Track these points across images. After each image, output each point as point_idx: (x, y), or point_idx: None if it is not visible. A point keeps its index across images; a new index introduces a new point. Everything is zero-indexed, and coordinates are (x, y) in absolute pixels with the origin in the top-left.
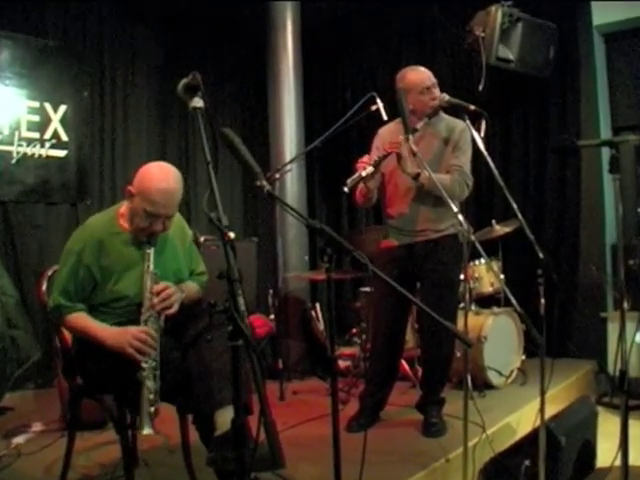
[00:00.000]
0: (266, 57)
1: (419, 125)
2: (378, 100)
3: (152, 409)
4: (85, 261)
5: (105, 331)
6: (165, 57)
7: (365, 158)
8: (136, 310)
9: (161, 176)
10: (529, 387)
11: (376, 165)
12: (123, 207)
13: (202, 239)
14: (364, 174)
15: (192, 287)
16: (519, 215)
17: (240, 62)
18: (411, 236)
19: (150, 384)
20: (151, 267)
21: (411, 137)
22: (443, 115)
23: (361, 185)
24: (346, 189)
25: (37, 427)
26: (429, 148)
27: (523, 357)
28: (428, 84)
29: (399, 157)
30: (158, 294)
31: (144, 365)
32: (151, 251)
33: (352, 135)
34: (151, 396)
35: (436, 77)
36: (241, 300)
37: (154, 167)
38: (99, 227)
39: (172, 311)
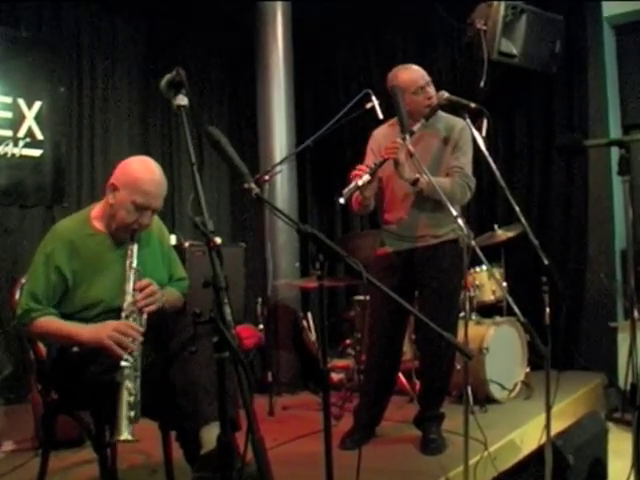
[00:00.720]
0: (255, 51)
1: (416, 127)
2: (373, 98)
3: (132, 413)
4: (56, 263)
5: (81, 328)
6: (148, 50)
7: (361, 166)
8: (114, 316)
9: (147, 167)
10: (534, 401)
11: (372, 173)
12: (96, 209)
13: (187, 245)
14: (360, 183)
15: (173, 293)
16: (522, 219)
17: (227, 56)
18: (409, 242)
19: (130, 385)
20: (134, 263)
21: (408, 137)
22: (441, 114)
23: (357, 193)
24: (342, 200)
25: (8, 446)
26: (428, 149)
27: (527, 370)
28: (422, 83)
29: (396, 163)
30: (141, 290)
31: (124, 363)
32: (134, 247)
33: (346, 134)
34: (131, 398)
35: (435, 73)
36: (228, 309)
37: (136, 160)
38: (70, 229)
39: (154, 308)
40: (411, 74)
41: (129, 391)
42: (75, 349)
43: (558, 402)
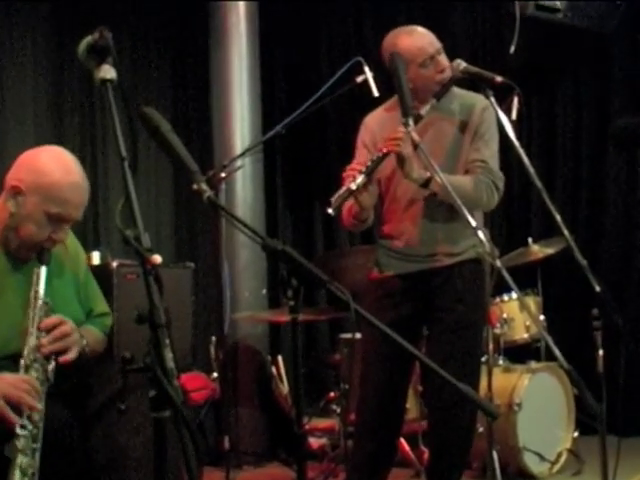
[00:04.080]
0: (207, 6)
1: (423, 110)
2: (366, 69)
3: None
4: None
5: None
6: (62, 4)
7: (353, 165)
8: (10, 366)
9: (64, 165)
10: (586, 478)
11: (370, 173)
12: None
13: (115, 265)
14: (354, 187)
15: (94, 333)
16: (565, 231)
17: (170, 14)
18: (416, 263)
19: (25, 461)
20: (41, 292)
21: (411, 122)
22: (457, 90)
23: (350, 201)
24: (331, 211)
25: None
26: (440, 139)
27: (575, 434)
28: (431, 52)
29: (400, 158)
30: (49, 331)
31: (19, 431)
32: (42, 271)
33: (330, 117)
34: None
35: (448, 36)
36: (169, 353)
37: (47, 154)
38: None
39: (69, 357)
40: (417, 40)
41: (23, 470)
42: None
43: (620, 478)
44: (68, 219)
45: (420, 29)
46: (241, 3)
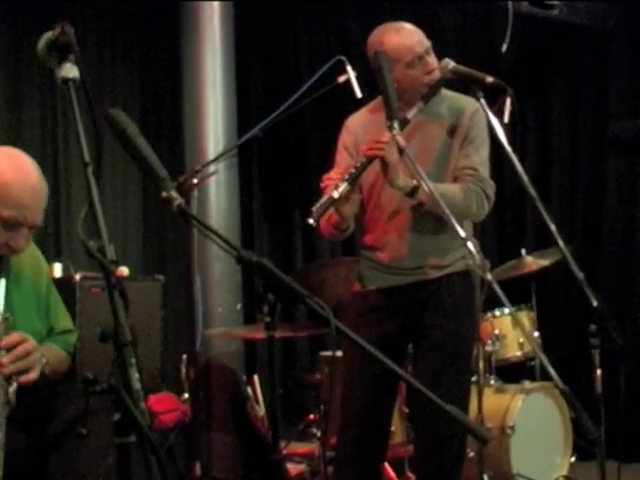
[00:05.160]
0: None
1: (410, 114)
2: (349, 68)
3: None
4: None
5: None
6: None
7: (335, 172)
8: None
9: (19, 166)
10: None
11: (353, 180)
12: None
13: (78, 277)
14: (337, 195)
15: (55, 352)
16: (561, 242)
17: (139, 9)
18: (401, 276)
19: None
20: (0, 307)
21: (396, 125)
22: (446, 92)
23: (331, 211)
24: (312, 221)
25: None
26: (427, 144)
27: (572, 460)
28: (419, 51)
29: (385, 164)
30: (9, 349)
31: None
32: (1, 283)
33: (310, 120)
34: None
35: (437, 34)
36: (135, 373)
37: (1, 155)
38: None
39: (31, 377)
40: (405, 38)
41: None
42: None
43: None
44: (24, 223)
45: (408, 26)
46: None
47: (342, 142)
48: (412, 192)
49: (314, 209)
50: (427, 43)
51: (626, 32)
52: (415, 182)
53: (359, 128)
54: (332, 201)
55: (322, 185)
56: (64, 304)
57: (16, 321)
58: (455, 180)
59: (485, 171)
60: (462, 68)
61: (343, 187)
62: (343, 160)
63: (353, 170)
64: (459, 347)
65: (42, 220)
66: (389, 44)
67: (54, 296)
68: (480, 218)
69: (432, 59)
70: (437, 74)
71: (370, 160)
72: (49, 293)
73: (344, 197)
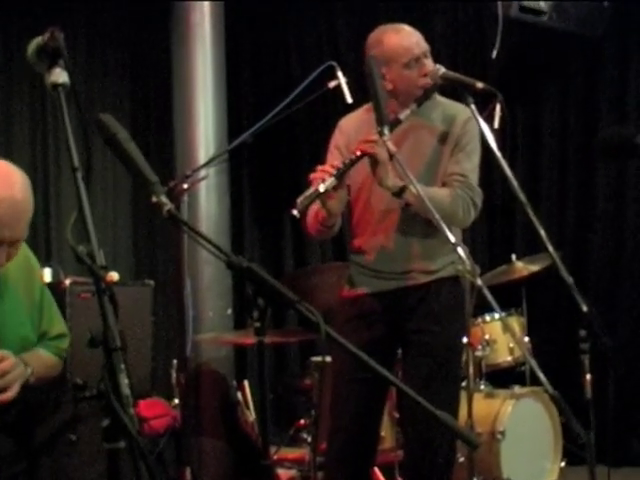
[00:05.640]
0: (170, 4)
1: (403, 115)
2: (339, 73)
3: None
4: None
5: None
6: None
7: (324, 166)
8: None
9: (1, 178)
10: None
11: (341, 175)
12: None
13: (68, 282)
14: (322, 189)
15: (44, 358)
16: (550, 247)
17: (129, 13)
18: (390, 280)
19: None
20: None
21: (386, 131)
22: (439, 99)
23: (317, 205)
24: (296, 212)
25: None
26: (418, 148)
27: (562, 464)
28: (417, 53)
29: (374, 163)
30: None
31: None
32: None
33: (301, 125)
34: None
35: (429, 40)
36: (124, 379)
37: None
38: None
39: (9, 396)
40: (404, 38)
41: None
42: None
43: None
44: (2, 241)
45: (408, 28)
46: (205, 2)
47: (334, 142)
48: (399, 192)
49: (299, 201)
50: (425, 46)
51: (615, 38)
52: (403, 183)
53: (352, 129)
54: (317, 194)
55: (311, 176)
56: None
57: (6, 328)
58: (444, 185)
59: (474, 178)
60: (452, 74)
61: (330, 181)
62: (334, 160)
63: (342, 165)
64: (448, 352)
65: (25, 233)
66: (388, 44)
67: (48, 301)
68: (466, 224)
69: (429, 63)
70: (431, 79)
71: (360, 157)
72: (42, 298)
73: (330, 192)
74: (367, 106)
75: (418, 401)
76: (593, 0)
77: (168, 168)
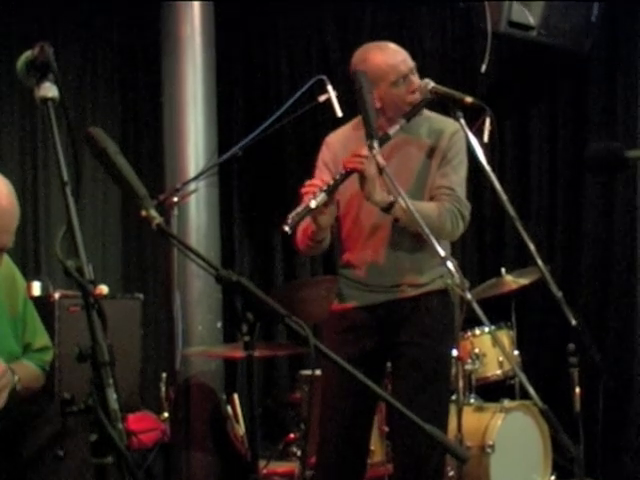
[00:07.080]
0: (160, 16)
1: (392, 130)
2: (329, 87)
3: None
4: None
5: None
6: None
7: (314, 181)
8: None
9: None
10: None
11: (331, 191)
12: None
13: (57, 296)
14: (313, 205)
15: (29, 369)
16: (539, 261)
17: (119, 28)
18: (379, 294)
19: None
20: None
21: (376, 144)
22: (427, 113)
23: (307, 221)
24: (287, 229)
25: None
26: (407, 163)
27: (552, 478)
28: (404, 70)
29: (363, 178)
30: None
31: None
32: None
33: (290, 139)
34: None
35: (417, 53)
36: (113, 394)
37: None
38: None
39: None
40: (389, 57)
41: None
42: None
43: None
44: None
45: (393, 45)
46: (196, 14)
47: (322, 158)
48: (388, 207)
49: (290, 217)
50: (411, 63)
51: (604, 53)
52: (392, 198)
53: (339, 145)
54: (309, 210)
55: (302, 190)
56: (42, 322)
57: None
58: (431, 199)
59: (462, 191)
60: (441, 88)
61: (320, 197)
62: (323, 175)
63: (331, 181)
64: (437, 365)
65: (11, 241)
66: (373, 62)
67: (31, 314)
68: (454, 237)
69: (416, 79)
70: (419, 95)
71: (349, 173)
72: (25, 311)
73: (321, 207)
74: (354, 122)
75: (407, 415)
76: (581, 15)
77: (158, 181)
